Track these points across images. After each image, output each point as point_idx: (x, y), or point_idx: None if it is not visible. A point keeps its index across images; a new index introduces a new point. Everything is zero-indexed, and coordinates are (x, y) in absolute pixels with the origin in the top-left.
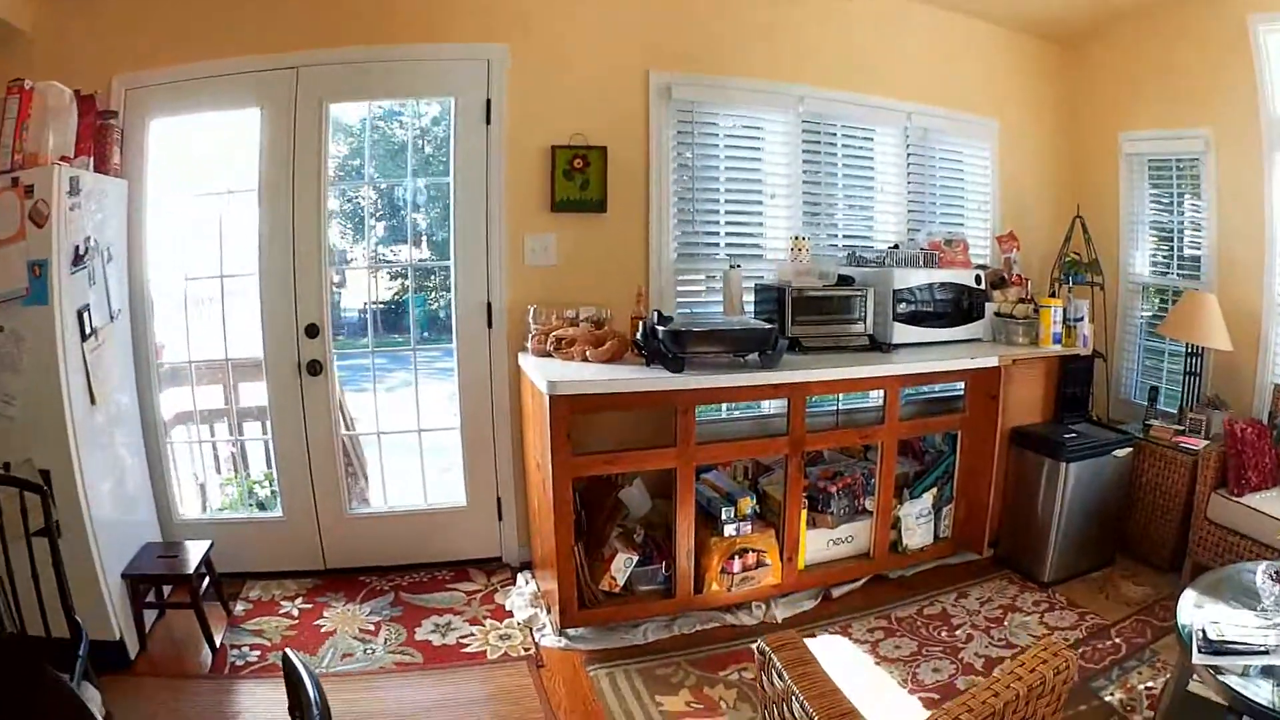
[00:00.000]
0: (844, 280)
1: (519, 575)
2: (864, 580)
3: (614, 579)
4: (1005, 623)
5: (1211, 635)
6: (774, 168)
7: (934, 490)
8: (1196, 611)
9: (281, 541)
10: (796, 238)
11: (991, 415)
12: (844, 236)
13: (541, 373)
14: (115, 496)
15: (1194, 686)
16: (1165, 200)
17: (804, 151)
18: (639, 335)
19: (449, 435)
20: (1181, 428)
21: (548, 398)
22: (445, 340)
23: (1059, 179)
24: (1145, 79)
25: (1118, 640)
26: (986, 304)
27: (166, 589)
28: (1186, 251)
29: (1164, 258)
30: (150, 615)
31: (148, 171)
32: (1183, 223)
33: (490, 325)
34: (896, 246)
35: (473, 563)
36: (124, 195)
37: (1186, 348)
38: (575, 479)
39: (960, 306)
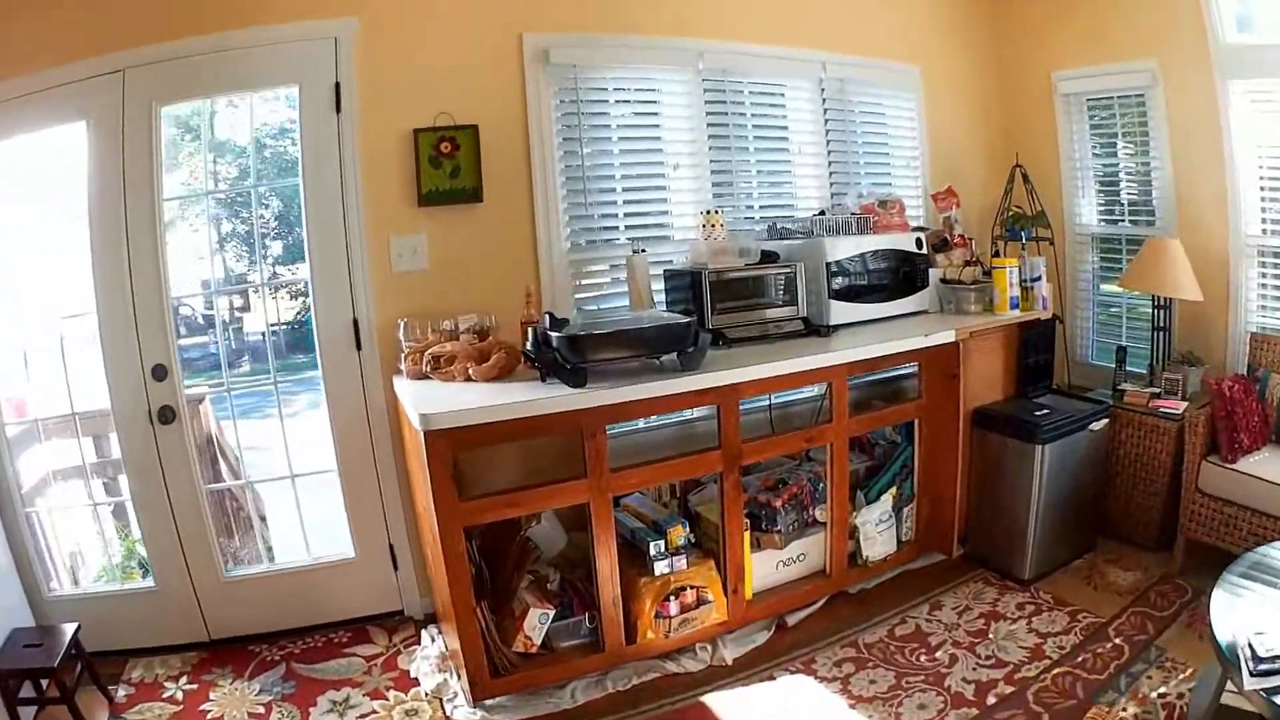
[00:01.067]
0: (768, 257)
1: (424, 631)
2: (822, 601)
3: (529, 638)
4: (990, 635)
5: (1261, 651)
6: (675, 135)
7: (893, 490)
8: (1232, 618)
9: (159, 614)
10: (708, 212)
11: (952, 398)
12: (761, 208)
13: (414, 401)
14: None
15: (1229, 699)
16: (1109, 142)
17: (708, 115)
18: (529, 345)
19: (329, 478)
20: (1157, 390)
21: (422, 434)
22: (312, 367)
23: (992, 127)
24: (1076, 11)
25: (1118, 641)
26: (930, 271)
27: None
28: (1136, 196)
29: (1111, 204)
30: (30, 710)
31: None
32: (1132, 165)
33: (359, 346)
34: (823, 213)
35: (372, 619)
36: None
37: (1153, 301)
38: (468, 527)
39: (901, 276)
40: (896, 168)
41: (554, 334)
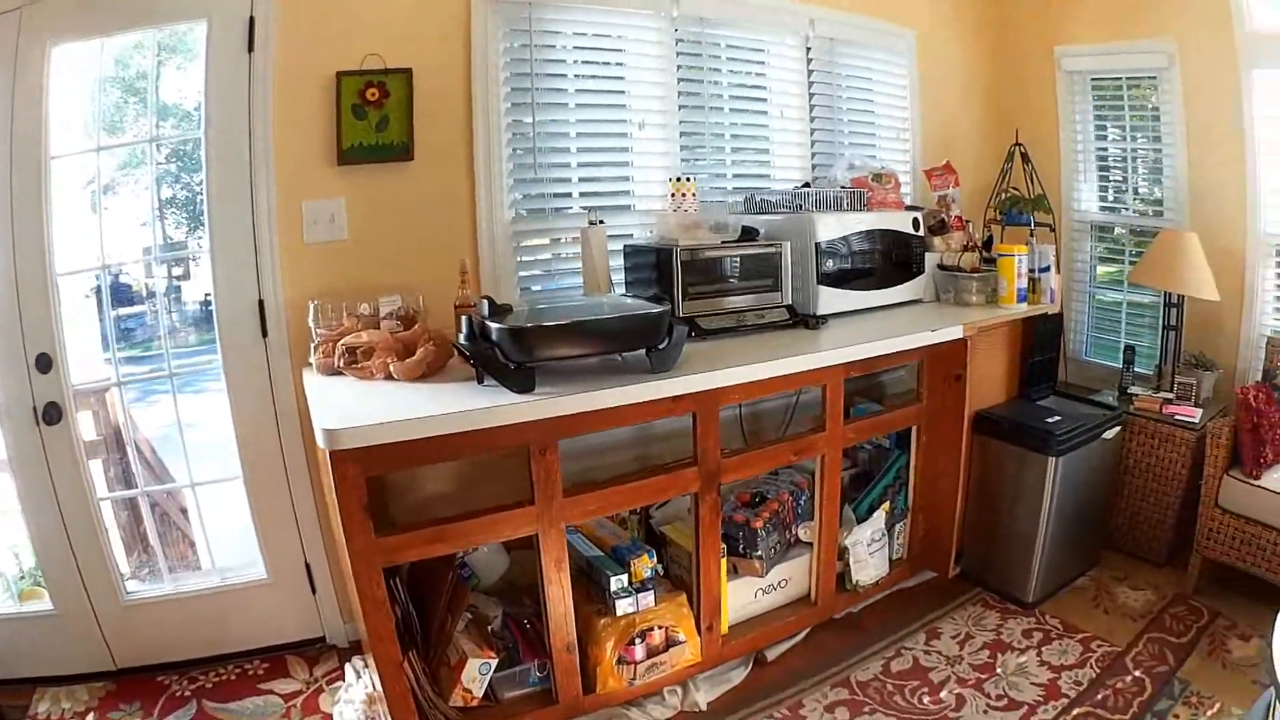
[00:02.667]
0: (748, 234)
1: (348, 665)
2: (805, 632)
3: (468, 691)
4: (998, 669)
5: None
6: (642, 89)
7: (886, 504)
8: None
9: (62, 639)
10: (677, 179)
11: (956, 401)
12: (735, 176)
13: (320, 408)
14: None
15: None
16: (1117, 126)
17: (680, 69)
18: (463, 335)
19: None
20: (1168, 395)
21: (327, 454)
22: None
23: (989, 102)
24: None
25: (1138, 674)
26: (926, 255)
27: None
28: (1142, 185)
29: (1114, 192)
30: None
31: None
32: (1140, 152)
33: (265, 333)
34: (807, 185)
35: (291, 647)
36: None
37: (1165, 298)
38: (390, 566)
39: (895, 260)
40: (884, 140)
41: (494, 324)
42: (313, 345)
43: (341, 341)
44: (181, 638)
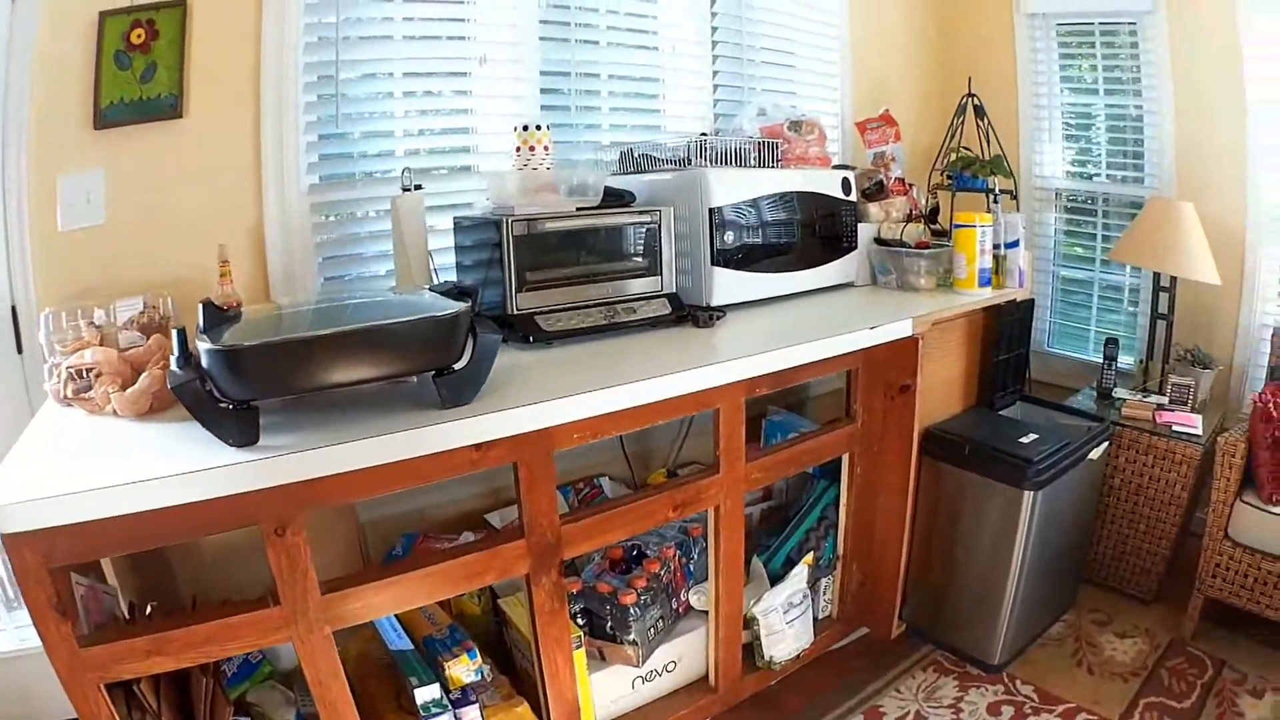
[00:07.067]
0: (615, 198)
1: None
2: None
3: None
4: None
5: None
6: (492, 15)
7: (810, 556)
8: None
9: None
10: (526, 128)
11: (902, 418)
12: (611, 128)
13: (10, 464)
14: None
15: None
16: (1086, 77)
17: None
18: (175, 359)
19: None
20: (1160, 399)
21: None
22: None
23: (939, 45)
24: None
25: None
26: (860, 226)
27: None
28: (1122, 147)
29: (1082, 155)
30: None
31: None
32: (1118, 109)
33: (20, 349)
34: (705, 136)
35: None
36: None
37: (1155, 280)
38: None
39: (818, 232)
40: (806, 86)
41: (202, 344)
42: (46, 367)
43: (66, 363)
44: None
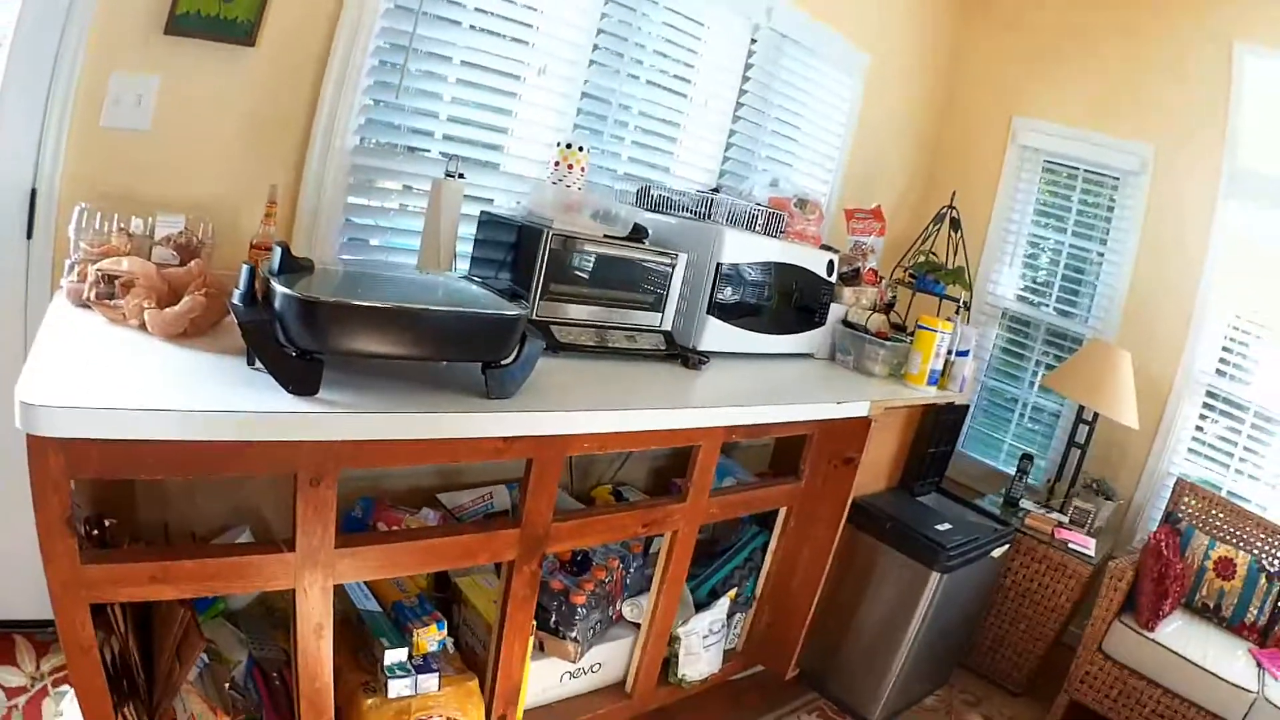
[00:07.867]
0: (637, 233)
1: None
2: None
3: None
4: None
5: None
6: (557, 29)
7: (733, 591)
8: None
9: None
10: (567, 146)
11: (840, 486)
12: (628, 159)
13: (36, 360)
14: None
15: None
16: (1059, 213)
17: (605, 18)
18: (240, 291)
19: None
20: (1063, 518)
21: (25, 436)
22: None
23: (931, 154)
24: (1079, 62)
25: None
26: (832, 306)
27: None
28: (1076, 286)
29: (1035, 284)
30: None
31: None
32: (1082, 250)
33: (30, 234)
34: (718, 190)
35: (20, 626)
36: None
37: (1078, 412)
38: (100, 603)
39: (796, 303)
40: (805, 162)
41: (280, 286)
42: (69, 262)
43: (98, 266)
44: None
